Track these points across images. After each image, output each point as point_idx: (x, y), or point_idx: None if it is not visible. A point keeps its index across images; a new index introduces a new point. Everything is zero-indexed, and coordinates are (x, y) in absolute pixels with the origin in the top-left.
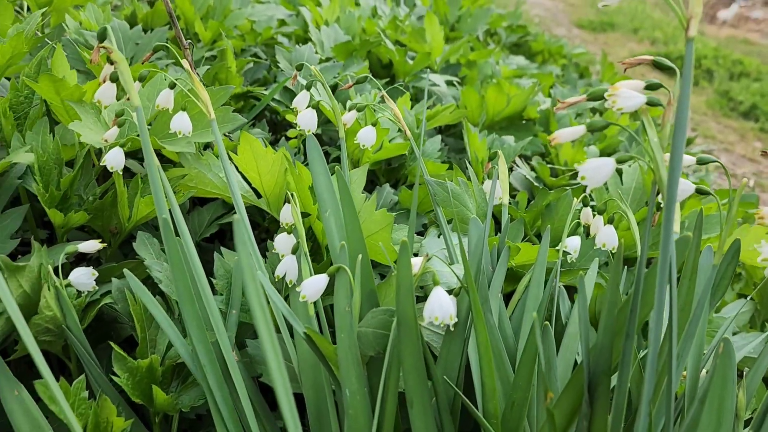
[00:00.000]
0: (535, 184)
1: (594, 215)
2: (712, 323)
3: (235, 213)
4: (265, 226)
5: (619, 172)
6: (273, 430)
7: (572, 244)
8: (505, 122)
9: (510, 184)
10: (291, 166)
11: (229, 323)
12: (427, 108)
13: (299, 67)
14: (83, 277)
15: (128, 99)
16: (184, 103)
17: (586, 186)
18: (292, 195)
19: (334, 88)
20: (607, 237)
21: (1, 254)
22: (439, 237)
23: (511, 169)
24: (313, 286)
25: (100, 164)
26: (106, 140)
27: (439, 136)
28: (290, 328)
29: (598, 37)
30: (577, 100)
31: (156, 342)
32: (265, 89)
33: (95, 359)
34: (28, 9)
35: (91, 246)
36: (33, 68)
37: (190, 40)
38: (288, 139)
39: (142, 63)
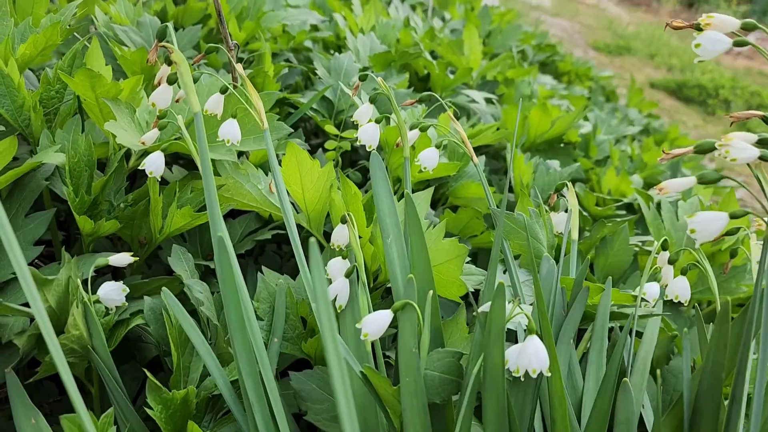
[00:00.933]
0: (584, 213)
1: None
2: None
3: (269, 228)
4: (346, 254)
5: (674, 205)
6: None
7: (651, 291)
8: (545, 145)
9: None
10: (346, 184)
11: (271, 353)
12: (470, 126)
13: (363, 78)
14: (113, 293)
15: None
16: (234, 110)
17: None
18: (348, 215)
19: (373, 99)
20: (680, 289)
21: (26, 262)
22: (504, 273)
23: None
24: (376, 323)
25: (129, 166)
26: (143, 143)
27: (483, 158)
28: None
29: (614, 60)
30: (683, 151)
31: (189, 369)
32: (302, 96)
33: (121, 385)
34: None
35: (122, 259)
36: (66, 62)
37: (236, 42)
38: (325, 150)
39: (193, 64)
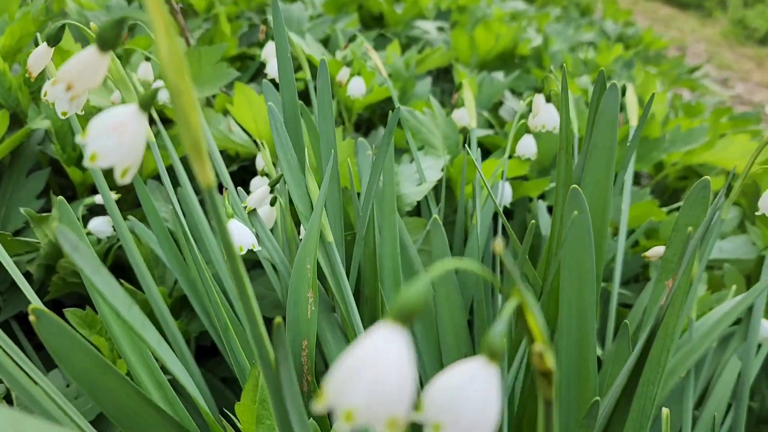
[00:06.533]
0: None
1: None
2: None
3: (233, 165)
4: (264, 173)
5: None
6: None
7: (525, 147)
8: (497, 61)
9: (500, 115)
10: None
11: None
12: (418, 53)
13: (264, 21)
14: (102, 225)
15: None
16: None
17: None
18: (262, 143)
19: (326, 41)
20: (547, 118)
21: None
22: (411, 162)
23: (501, 103)
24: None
25: None
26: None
27: (429, 79)
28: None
29: None
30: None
31: (165, 278)
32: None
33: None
34: None
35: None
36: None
37: (181, 4)
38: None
39: (124, 41)
